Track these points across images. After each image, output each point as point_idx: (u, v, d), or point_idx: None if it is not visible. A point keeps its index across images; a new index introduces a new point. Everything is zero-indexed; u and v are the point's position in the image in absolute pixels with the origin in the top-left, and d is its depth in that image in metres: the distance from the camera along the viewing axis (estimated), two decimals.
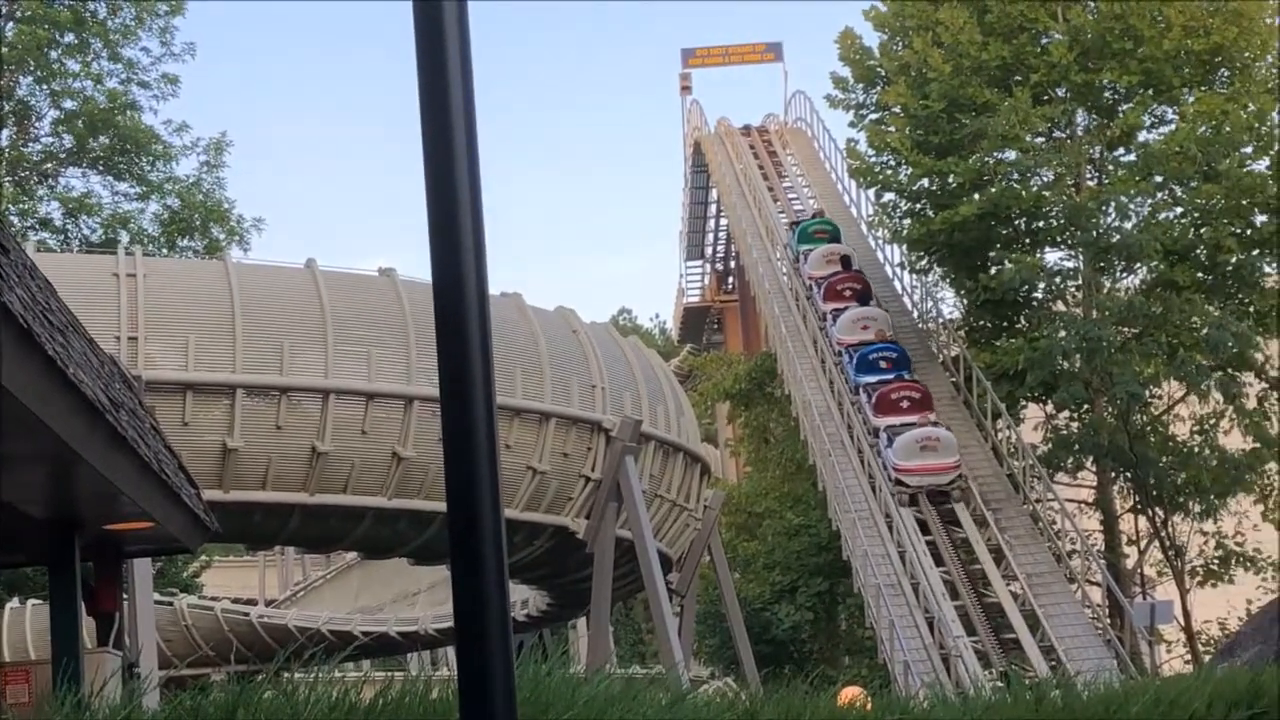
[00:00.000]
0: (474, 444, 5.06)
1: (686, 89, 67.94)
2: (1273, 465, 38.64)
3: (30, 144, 43.00)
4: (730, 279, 68.01)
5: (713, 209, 64.46)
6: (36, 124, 42.87)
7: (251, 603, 57.08)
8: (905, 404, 35.51)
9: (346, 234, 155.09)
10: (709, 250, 68.78)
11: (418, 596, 50.86)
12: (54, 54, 41.64)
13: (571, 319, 31.10)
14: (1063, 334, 36.38)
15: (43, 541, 10.98)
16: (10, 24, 41.60)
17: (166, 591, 45.87)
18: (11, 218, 37.31)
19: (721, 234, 65.57)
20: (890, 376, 36.69)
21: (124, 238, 38.94)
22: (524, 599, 40.29)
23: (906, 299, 42.86)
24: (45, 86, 41.96)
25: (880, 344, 37.90)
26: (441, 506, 25.85)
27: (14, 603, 41.54)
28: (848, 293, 40.66)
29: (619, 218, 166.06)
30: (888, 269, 44.07)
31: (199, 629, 46.56)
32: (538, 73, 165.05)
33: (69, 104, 41.82)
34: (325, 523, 27.32)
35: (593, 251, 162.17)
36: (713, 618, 43.79)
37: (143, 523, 11.05)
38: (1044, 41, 39.14)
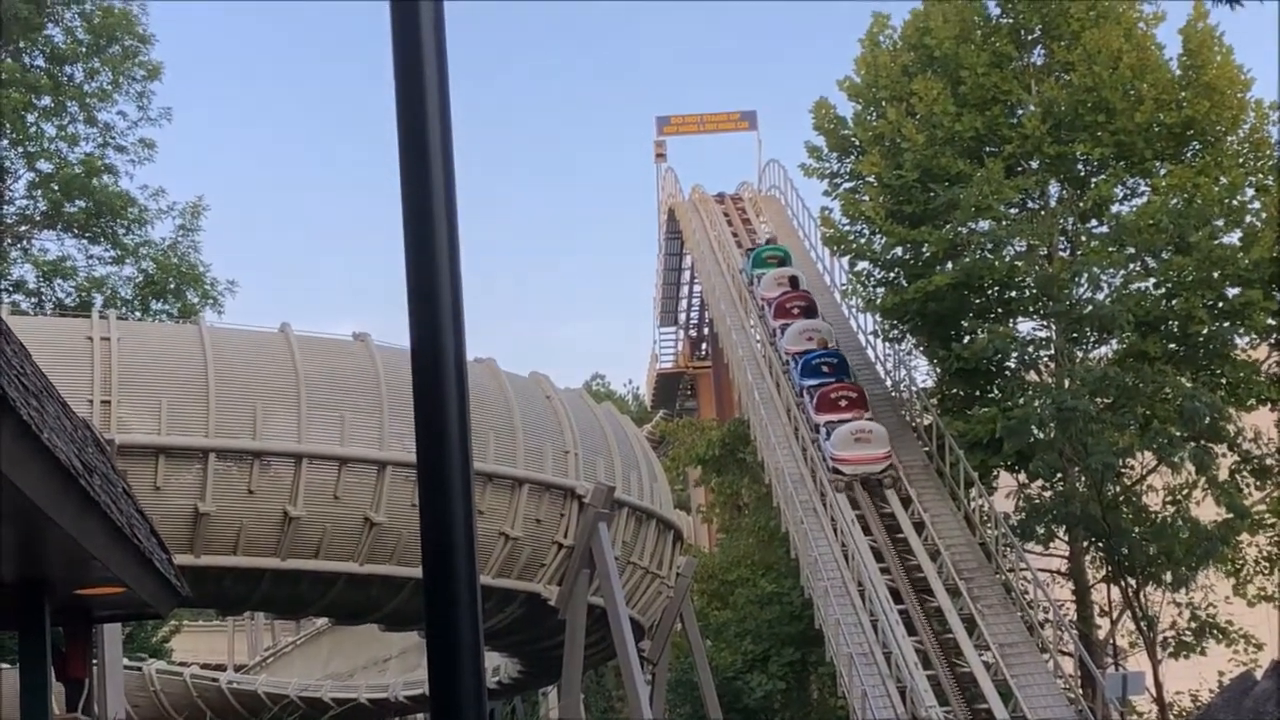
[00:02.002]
0: (450, 510, 5.07)
1: (661, 156, 68.23)
2: (1245, 537, 38.71)
3: (4, 206, 42.97)
4: (704, 345, 68.09)
5: (686, 276, 64.62)
6: (11, 186, 42.86)
7: (221, 668, 56.65)
8: (843, 403, 38.50)
9: (321, 297, 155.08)
10: (683, 316, 68.89)
11: (389, 663, 50.55)
12: (30, 117, 41.69)
13: (545, 385, 31.10)
14: (1037, 403, 36.48)
15: (12, 606, 10.89)
16: None
17: (135, 656, 45.57)
18: None
19: (695, 301, 65.70)
20: (831, 379, 39.55)
21: (98, 301, 38.89)
22: (495, 666, 40.08)
23: (880, 367, 43.00)
24: (21, 149, 41.98)
25: (822, 351, 41.15)
26: (413, 572, 25.89)
27: None
28: (795, 310, 43.76)
29: (592, 283, 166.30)
30: (861, 337, 44.26)
31: (168, 695, 46.19)
32: (509, 136, 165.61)
33: (45, 166, 41.84)
34: (297, 587, 27.19)
35: (566, 317, 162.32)
36: (685, 686, 43.59)
37: (114, 588, 10.98)
38: (1017, 113, 39.47)
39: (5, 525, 8.48)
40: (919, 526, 35.04)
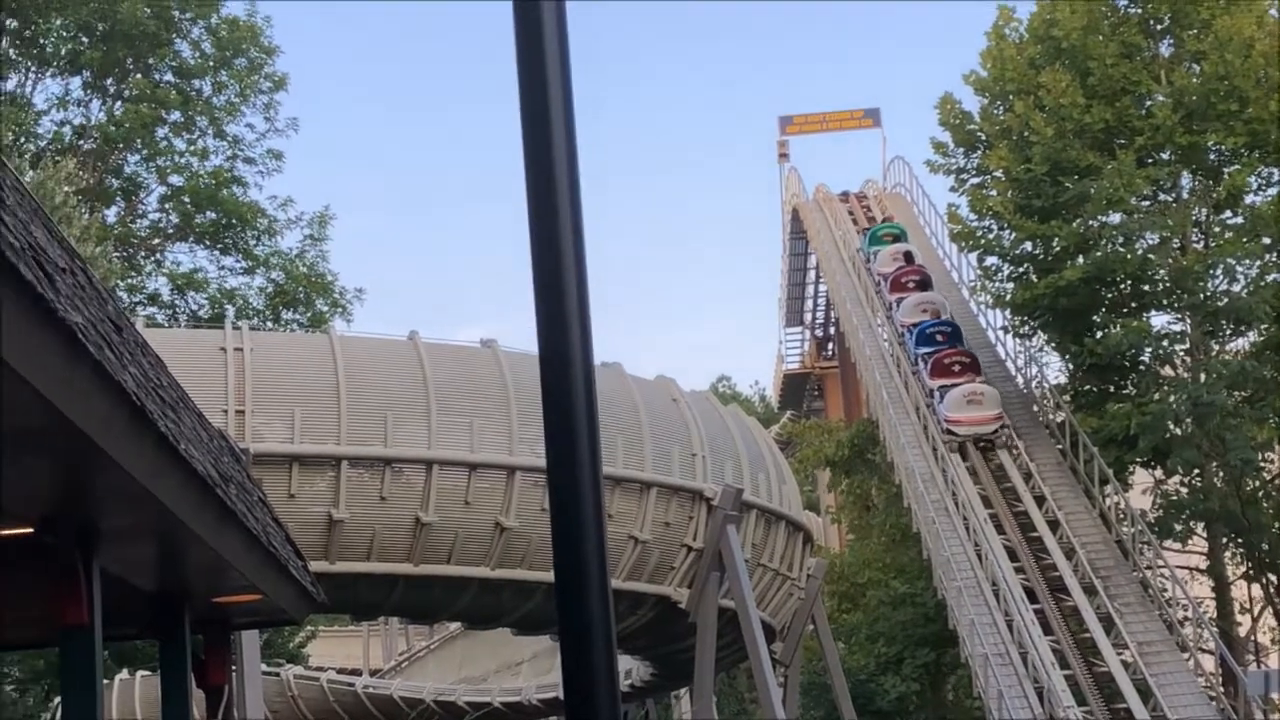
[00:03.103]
0: (581, 515, 5.06)
1: (784, 156, 67.98)
2: None
3: (138, 220, 43.78)
4: (830, 345, 67.80)
5: (811, 275, 64.40)
6: (144, 200, 43.65)
7: (356, 673, 57.30)
8: (956, 368, 40.10)
9: (448, 303, 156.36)
10: (808, 317, 68.64)
11: (521, 666, 50.83)
12: (161, 132, 42.42)
13: (671, 388, 31.07)
14: (1173, 398, 35.92)
15: (153, 615, 11.06)
16: (118, 103, 42.47)
17: (273, 662, 46.17)
18: (120, 293, 37.96)
19: (821, 300, 65.46)
20: (945, 346, 41.37)
21: (230, 311, 39.47)
22: (627, 669, 40.13)
23: (1010, 364, 42.59)
24: (152, 163, 42.75)
25: (936, 320, 42.90)
26: (544, 576, 25.99)
27: (123, 673, 41.97)
28: (910, 284, 45.43)
29: (717, 285, 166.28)
30: (990, 334, 43.85)
31: (305, 700, 46.79)
32: (632, 138, 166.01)
33: (175, 180, 42.55)
34: (429, 593, 27.37)
35: (691, 319, 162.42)
36: (817, 688, 43.39)
37: (251, 595, 11.11)
38: (1147, 104, 38.88)
39: (146, 536, 8.61)
40: (1054, 525, 34.63)
